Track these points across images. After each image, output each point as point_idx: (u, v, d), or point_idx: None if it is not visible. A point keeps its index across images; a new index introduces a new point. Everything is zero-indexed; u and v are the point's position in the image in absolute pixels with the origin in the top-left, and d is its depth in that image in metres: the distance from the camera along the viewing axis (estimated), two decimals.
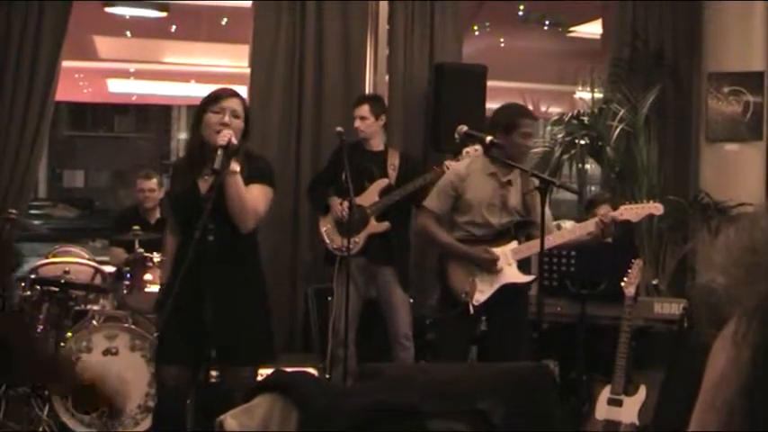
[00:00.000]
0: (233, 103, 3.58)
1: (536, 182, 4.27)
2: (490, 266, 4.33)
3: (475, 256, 4.35)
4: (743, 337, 0.68)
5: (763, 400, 0.65)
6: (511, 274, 4.35)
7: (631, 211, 4.38)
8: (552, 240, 4.29)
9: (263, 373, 3.88)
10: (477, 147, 4.54)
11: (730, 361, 0.69)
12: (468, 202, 4.40)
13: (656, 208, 4.42)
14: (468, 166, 4.49)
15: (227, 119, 3.53)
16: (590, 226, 4.32)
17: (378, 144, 5.50)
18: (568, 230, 4.45)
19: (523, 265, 4.43)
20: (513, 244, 4.37)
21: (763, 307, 0.68)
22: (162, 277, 3.97)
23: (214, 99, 3.59)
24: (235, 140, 3.47)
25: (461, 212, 4.43)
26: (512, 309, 4.39)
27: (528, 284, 4.47)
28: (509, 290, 4.36)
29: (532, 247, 4.33)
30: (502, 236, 4.38)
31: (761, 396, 0.66)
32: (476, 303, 4.32)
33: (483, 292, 4.33)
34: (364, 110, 5.45)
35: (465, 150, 4.75)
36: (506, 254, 4.34)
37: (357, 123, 5.44)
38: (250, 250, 3.74)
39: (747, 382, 0.67)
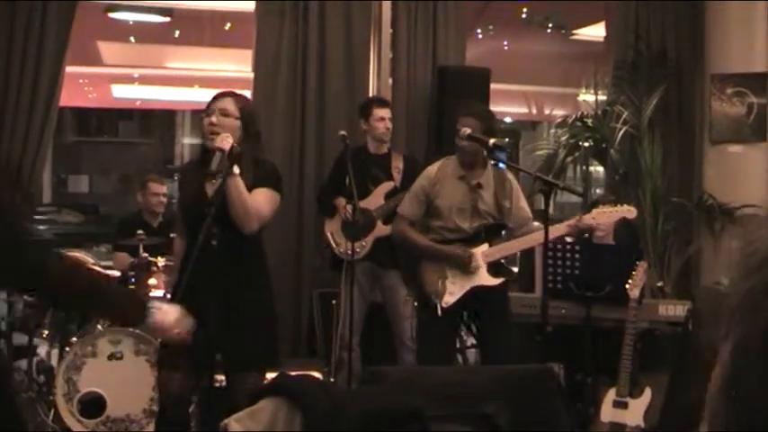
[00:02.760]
0: (223, 103, 3.59)
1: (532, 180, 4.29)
2: (466, 263, 4.35)
3: (450, 254, 4.38)
4: (726, 336, 0.69)
5: (741, 398, 0.65)
6: (481, 276, 4.37)
7: (603, 215, 4.39)
8: (518, 245, 4.43)
9: (268, 376, 3.88)
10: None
11: (718, 360, 0.69)
12: (439, 207, 4.44)
13: (629, 211, 4.45)
14: (438, 170, 4.51)
15: (214, 119, 3.54)
16: (561, 230, 4.35)
17: (383, 147, 5.50)
18: (536, 237, 4.36)
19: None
20: (484, 247, 4.38)
21: (742, 304, 0.68)
22: (171, 281, 3.93)
23: (208, 103, 3.62)
24: (229, 141, 3.46)
25: (434, 217, 4.48)
26: (492, 313, 4.42)
27: (500, 287, 4.45)
28: (486, 293, 4.38)
29: (503, 250, 4.39)
30: (473, 239, 4.40)
31: (739, 394, 0.66)
32: (444, 305, 4.35)
33: (453, 294, 4.36)
34: (388, 112, 5.46)
35: None
36: (477, 256, 4.35)
37: (388, 124, 5.41)
38: (255, 255, 3.72)
39: (726, 381, 0.67)
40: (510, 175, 4.54)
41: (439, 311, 4.34)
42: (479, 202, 4.40)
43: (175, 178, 6.24)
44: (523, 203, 4.52)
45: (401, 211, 4.58)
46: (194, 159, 3.78)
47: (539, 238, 4.36)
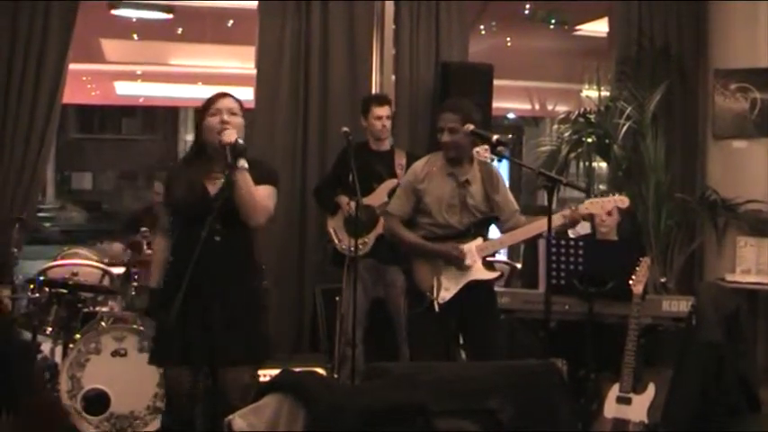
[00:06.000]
0: (227, 103, 3.64)
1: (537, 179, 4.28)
2: (458, 263, 4.33)
3: (443, 252, 4.34)
4: None
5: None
6: (476, 271, 4.35)
7: (596, 205, 4.40)
8: (510, 239, 4.47)
9: (271, 373, 3.89)
10: (486, 147, 4.55)
11: None
12: (428, 205, 4.39)
13: (622, 201, 4.45)
14: (424, 166, 4.46)
15: (225, 117, 3.59)
16: (557, 220, 4.31)
17: (386, 144, 5.50)
18: (535, 227, 4.37)
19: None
20: (478, 241, 4.37)
21: None
22: (153, 280, 3.79)
23: (208, 103, 3.65)
24: (234, 135, 3.51)
25: (423, 214, 4.42)
26: (481, 307, 4.40)
27: (493, 281, 4.46)
28: (475, 287, 4.36)
29: (497, 244, 4.42)
30: (463, 235, 4.38)
31: None
32: (441, 302, 4.32)
33: (449, 290, 4.34)
34: (388, 110, 5.47)
35: (475, 150, 4.73)
36: (471, 251, 4.34)
37: (385, 123, 5.43)
38: (250, 250, 3.75)
39: None
40: (496, 168, 4.54)
41: (436, 308, 4.31)
42: (468, 198, 4.39)
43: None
44: (510, 196, 4.52)
45: (390, 209, 4.55)
46: (191, 158, 3.76)
47: (531, 231, 4.36)
